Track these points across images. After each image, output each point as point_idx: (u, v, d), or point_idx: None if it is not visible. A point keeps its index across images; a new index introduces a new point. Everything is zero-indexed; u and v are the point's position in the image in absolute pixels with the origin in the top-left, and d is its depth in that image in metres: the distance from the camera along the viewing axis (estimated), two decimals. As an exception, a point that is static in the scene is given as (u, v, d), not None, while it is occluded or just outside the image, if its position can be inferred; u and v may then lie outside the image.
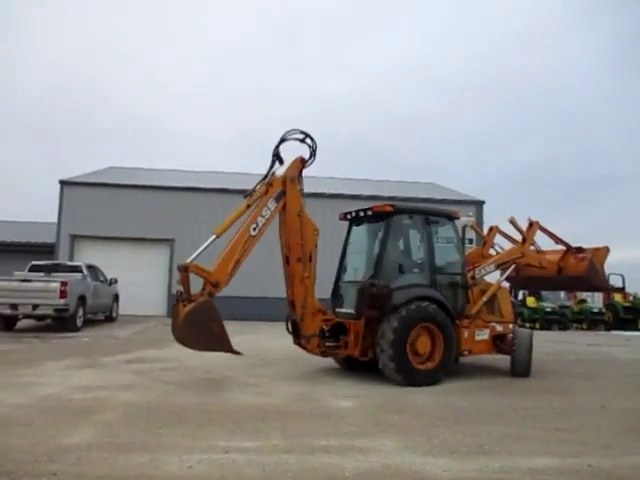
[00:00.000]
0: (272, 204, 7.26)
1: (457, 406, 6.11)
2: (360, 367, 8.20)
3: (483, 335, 8.50)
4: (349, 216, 8.67)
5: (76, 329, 13.42)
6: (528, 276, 10.16)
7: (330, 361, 8.89)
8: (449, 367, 7.75)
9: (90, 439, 4.44)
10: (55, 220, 20.74)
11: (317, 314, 7.65)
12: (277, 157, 7.57)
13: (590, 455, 4.35)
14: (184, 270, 6.54)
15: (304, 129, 7.75)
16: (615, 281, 24.58)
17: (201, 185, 22.04)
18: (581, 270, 9.87)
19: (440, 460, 4.13)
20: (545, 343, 13.71)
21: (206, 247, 6.70)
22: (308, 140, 7.75)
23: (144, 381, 7.18)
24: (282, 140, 7.65)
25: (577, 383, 8.06)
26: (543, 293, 23.23)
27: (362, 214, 8.32)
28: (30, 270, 14.66)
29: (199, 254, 6.67)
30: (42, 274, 13.96)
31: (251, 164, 66.78)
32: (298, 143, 7.78)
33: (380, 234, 8.05)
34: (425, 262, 8.10)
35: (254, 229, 7.03)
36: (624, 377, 8.83)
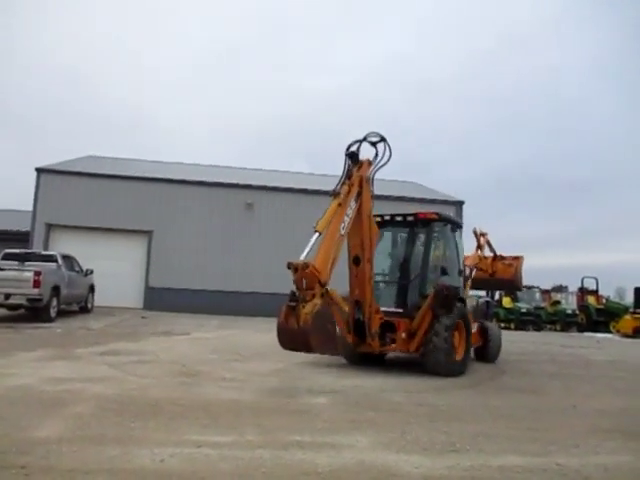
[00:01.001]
0: (353, 204, 7.21)
1: (433, 404, 6.16)
2: (366, 362, 8.58)
3: (474, 329, 9.34)
4: (379, 219, 8.65)
5: (49, 320, 13.18)
6: (474, 277, 11.23)
7: (308, 357, 8.88)
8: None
9: (61, 432, 4.37)
10: (30, 208, 20.32)
11: (376, 313, 7.82)
12: (352, 156, 7.45)
13: (559, 454, 4.42)
14: (303, 269, 6.22)
15: (382, 133, 7.63)
16: (589, 284, 25.14)
17: (180, 177, 21.78)
18: (510, 274, 11.85)
19: (412, 457, 4.16)
20: (520, 343, 13.92)
21: (312, 246, 6.48)
22: (380, 144, 7.66)
23: (117, 374, 7.08)
24: (362, 140, 7.61)
25: (550, 383, 8.21)
26: (519, 294, 23.60)
27: (400, 219, 8.79)
28: (3, 258, 14.31)
29: (308, 253, 6.43)
30: (15, 263, 13.67)
31: (234, 159, 66.58)
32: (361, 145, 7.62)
33: (422, 239, 8.78)
34: (455, 265, 9.03)
35: (343, 228, 6.98)
36: (595, 378, 9.02)
